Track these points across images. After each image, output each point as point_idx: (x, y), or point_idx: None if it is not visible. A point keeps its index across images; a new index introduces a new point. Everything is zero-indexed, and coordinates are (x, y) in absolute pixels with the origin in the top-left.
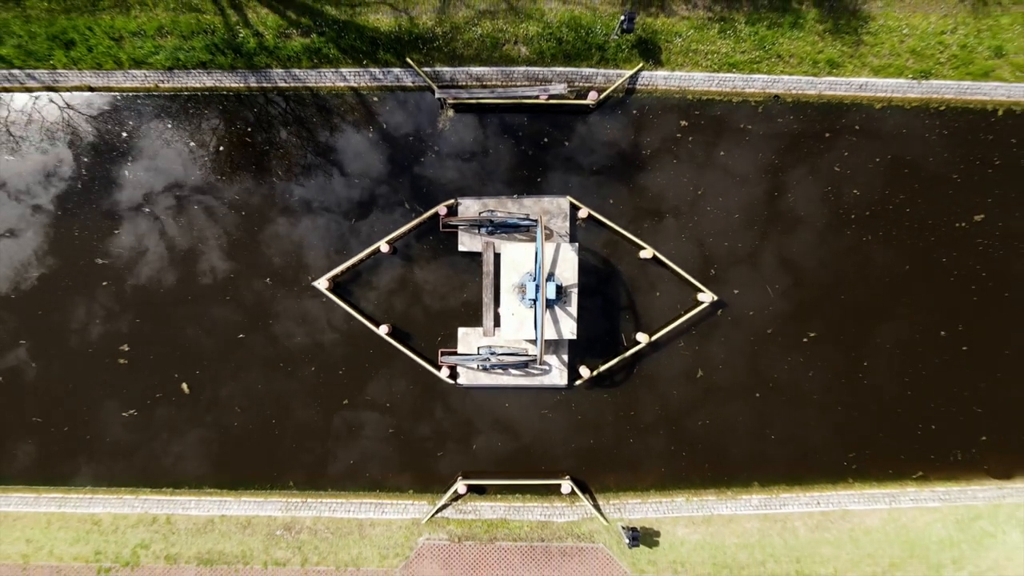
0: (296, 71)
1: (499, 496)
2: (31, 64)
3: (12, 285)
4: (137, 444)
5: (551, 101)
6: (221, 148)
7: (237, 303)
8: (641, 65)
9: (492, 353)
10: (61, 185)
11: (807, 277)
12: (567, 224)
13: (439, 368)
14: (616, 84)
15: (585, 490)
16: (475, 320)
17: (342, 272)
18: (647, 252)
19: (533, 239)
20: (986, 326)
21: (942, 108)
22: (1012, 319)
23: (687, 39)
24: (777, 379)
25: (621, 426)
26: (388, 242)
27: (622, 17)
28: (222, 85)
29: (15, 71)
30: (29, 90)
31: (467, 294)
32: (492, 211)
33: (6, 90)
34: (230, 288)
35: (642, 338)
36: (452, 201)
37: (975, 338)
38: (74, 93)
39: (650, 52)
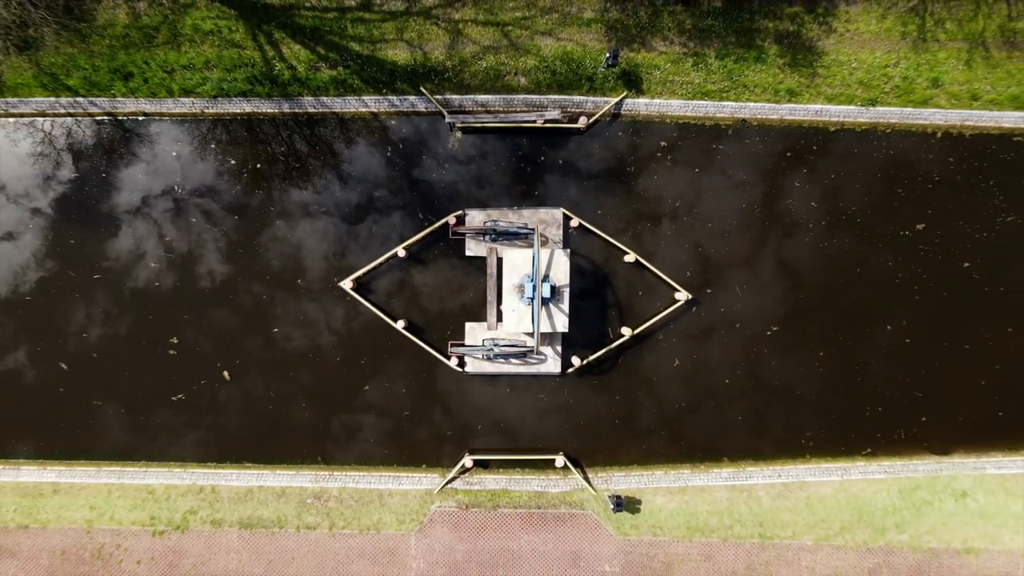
0: (324, 99)
1: (501, 470)
2: (94, 93)
3: (70, 287)
4: (185, 424)
5: (546, 125)
6: (259, 166)
7: (272, 302)
8: (625, 93)
9: (495, 344)
10: (116, 202)
11: (771, 279)
12: (561, 232)
13: (449, 358)
14: (603, 110)
15: (576, 464)
16: (480, 316)
17: (364, 274)
18: (631, 257)
19: (531, 245)
20: (926, 322)
21: (888, 131)
22: (949, 315)
23: (665, 71)
24: (744, 367)
25: (608, 409)
26: (404, 248)
27: (608, 53)
28: (260, 111)
29: (79, 99)
30: (91, 115)
31: (473, 293)
32: (495, 221)
33: (71, 115)
34: (266, 289)
35: (626, 332)
36: (460, 212)
37: (917, 332)
38: (130, 118)
39: (633, 82)
